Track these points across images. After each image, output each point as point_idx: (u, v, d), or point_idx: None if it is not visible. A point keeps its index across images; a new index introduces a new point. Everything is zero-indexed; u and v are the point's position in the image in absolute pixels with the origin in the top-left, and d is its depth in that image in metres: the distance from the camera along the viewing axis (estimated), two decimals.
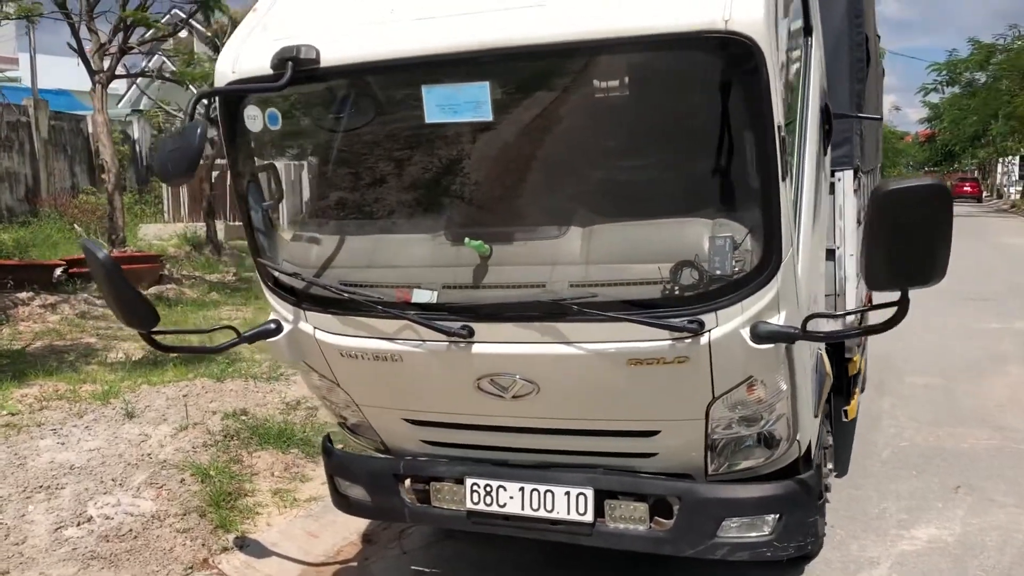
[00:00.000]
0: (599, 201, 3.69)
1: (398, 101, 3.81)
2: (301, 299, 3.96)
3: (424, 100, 3.46)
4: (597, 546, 3.94)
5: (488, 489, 4.04)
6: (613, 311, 3.42)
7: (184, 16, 15.32)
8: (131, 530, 4.94)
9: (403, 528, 5.39)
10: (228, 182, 23.23)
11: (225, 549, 4.91)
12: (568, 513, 3.90)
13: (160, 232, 19.69)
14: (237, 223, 23.60)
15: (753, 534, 3.74)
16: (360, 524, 5.43)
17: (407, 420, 4.19)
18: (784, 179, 3.21)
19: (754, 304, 3.33)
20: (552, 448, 4.02)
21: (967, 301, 12.71)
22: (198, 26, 19.69)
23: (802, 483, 3.75)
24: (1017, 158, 57.72)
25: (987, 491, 5.63)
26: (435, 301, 3.73)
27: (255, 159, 3.96)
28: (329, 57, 3.47)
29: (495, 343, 3.65)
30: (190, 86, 19.32)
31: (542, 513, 3.95)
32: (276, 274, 4.00)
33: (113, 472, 5.54)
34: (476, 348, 3.68)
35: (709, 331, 3.36)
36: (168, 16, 17.24)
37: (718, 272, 3.34)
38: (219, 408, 6.84)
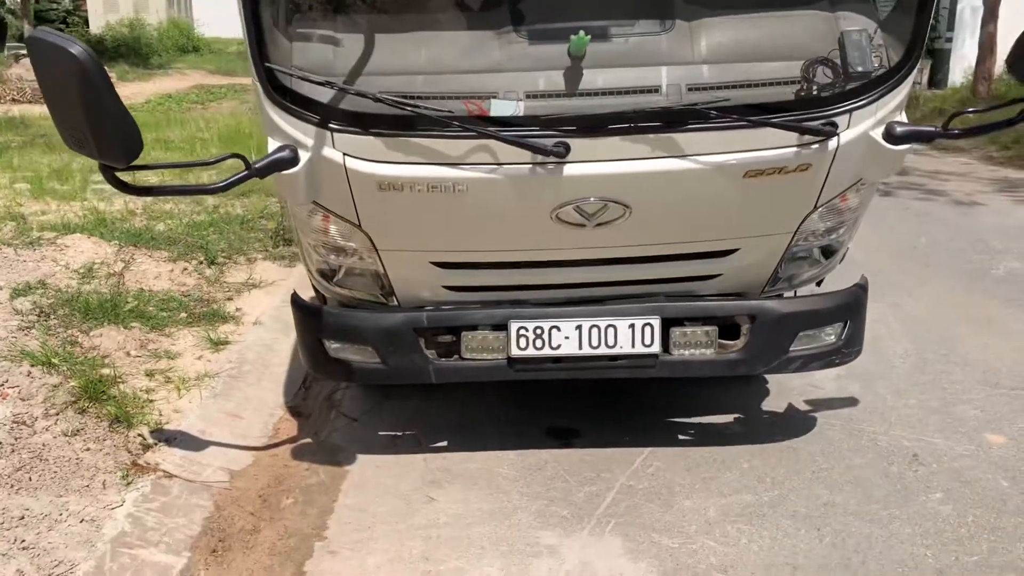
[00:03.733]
0: None
1: None
2: (328, 118, 3.07)
3: None
4: (661, 377, 3.68)
5: (539, 332, 3.56)
6: (746, 116, 3.07)
7: None
8: (0, 443, 3.73)
9: (330, 394, 4.68)
10: None
11: (148, 447, 3.89)
12: (633, 346, 3.57)
13: None
14: None
15: (822, 344, 3.71)
16: (277, 397, 4.62)
17: (436, 263, 3.52)
18: None
19: (888, 104, 3.18)
20: (608, 280, 3.63)
21: None
22: None
23: (863, 288, 3.77)
24: None
25: None
26: (520, 114, 3.09)
27: None
28: None
29: (592, 162, 3.14)
30: None
31: (602, 350, 3.58)
32: (290, 84, 3.05)
33: None
34: (568, 169, 3.13)
35: (839, 134, 3.15)
36: None
37: (859, 69, 3.11)
38: None
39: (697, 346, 3.62)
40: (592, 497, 3.65)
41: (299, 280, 6.27)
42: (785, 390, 4.59)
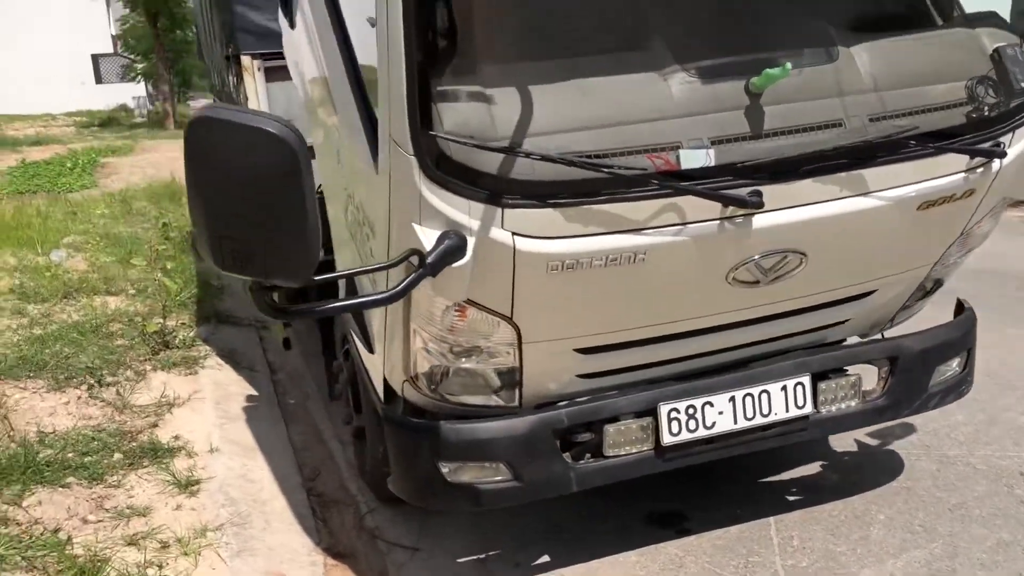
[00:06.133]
0: (849, 13, 2.96)
1: None
2: (499, 191, 2.45)
3: None
4: (811, 439, 3.33)
5: (691, 411, 3.10)
6: (935, 144, 2.82)
7: None
8: None
9: (357, 522, 3.89)
10: None
11: None
12: (787, 411, 3.21)
13: None
14: None
15: (950, 376, 3.53)
16: (302, 538, 3.75)
17: (580, 350, 2.96)
18: None
19: None
20: (751, 340, 3.23)
21: None
22: None
23: (972, 311, 3.63)
24: None
25: None
26: (713, 163, 2.64)
27: None
28: None
29: (783, 209, 2.75)
30: None
31: (757, 420, 3.19)
32: (452, 154, 2.40)
33: None
34: (758, 220, 2.72)
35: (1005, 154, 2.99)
36: None
37: (1022, 85, 2.96)
38: None
39: (844, 399, 3.31)
40: None
41: (215, 390, 5.31)
42: None
